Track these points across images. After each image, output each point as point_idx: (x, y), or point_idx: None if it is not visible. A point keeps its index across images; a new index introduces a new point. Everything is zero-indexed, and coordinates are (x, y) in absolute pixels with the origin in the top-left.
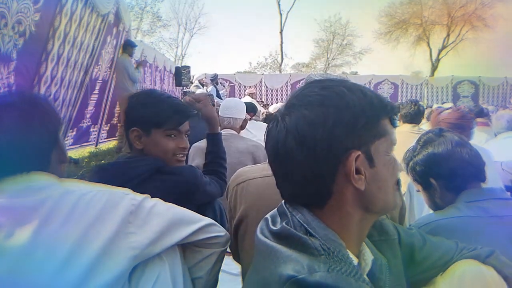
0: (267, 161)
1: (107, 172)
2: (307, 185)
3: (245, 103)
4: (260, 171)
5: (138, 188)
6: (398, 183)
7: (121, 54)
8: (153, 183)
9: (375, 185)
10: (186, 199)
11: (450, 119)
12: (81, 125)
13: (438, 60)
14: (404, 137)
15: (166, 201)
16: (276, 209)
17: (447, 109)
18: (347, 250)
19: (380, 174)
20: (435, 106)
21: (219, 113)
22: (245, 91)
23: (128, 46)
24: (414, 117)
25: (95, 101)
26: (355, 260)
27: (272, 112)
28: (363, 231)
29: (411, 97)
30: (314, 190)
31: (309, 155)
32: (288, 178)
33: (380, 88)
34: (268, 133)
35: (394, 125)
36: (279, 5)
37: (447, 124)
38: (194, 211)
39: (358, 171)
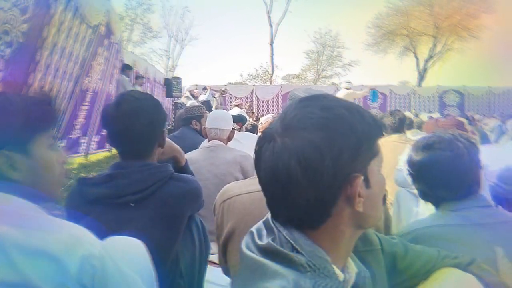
0: (254, 175)
1: (125, 178)
2: (308, 209)
3: (233, 114)
4: (247, 186)
5: (157, 192)
6: (384, 197)
7: (120, 75)
8: (168, 188)
9: (369, 204)
10: (193, 205)
11: (449, 125)
12: (70, 136)
13: (425, 70)
14: (392, 147)
15: (178, 205)
16: (262, 221)
17: (442, 117)
18: (333, 265)
19: (374, 193)
20: (422, 116)
21: (206, 125)
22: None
23: (126, 69)
24: (399, 127)
25: (85, 113)
26: (340, 275)
27: (263, 123)
28: (351, 246)
29: (399, 106)
30: (313, 214)
31: (314, 180)
32: (287, 201)
33: (369, 98)
34: (262, 153)
35: None
36: (269, 17)
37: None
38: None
39: (359, 194)
